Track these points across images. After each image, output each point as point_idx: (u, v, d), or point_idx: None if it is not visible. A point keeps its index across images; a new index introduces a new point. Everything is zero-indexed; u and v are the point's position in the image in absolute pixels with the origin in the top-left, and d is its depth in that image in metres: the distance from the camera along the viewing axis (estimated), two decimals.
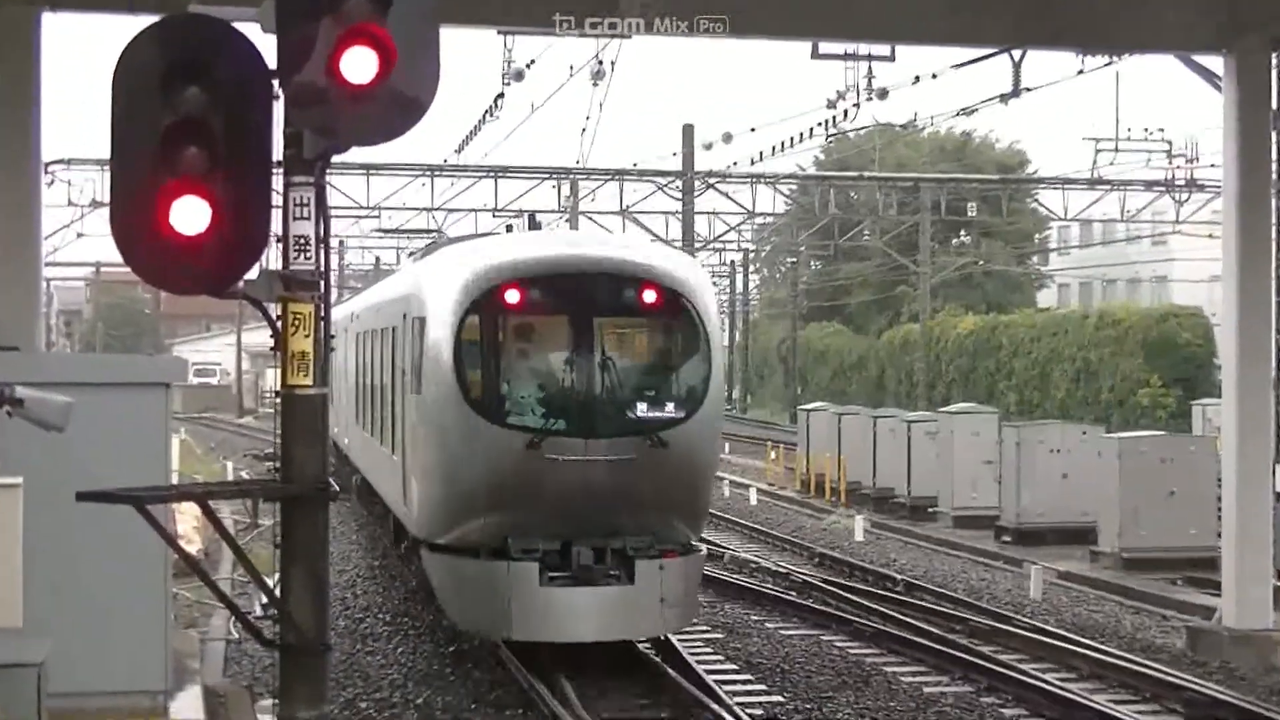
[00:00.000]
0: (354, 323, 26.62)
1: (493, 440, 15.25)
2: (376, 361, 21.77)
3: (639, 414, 15.54)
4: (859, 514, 31.29)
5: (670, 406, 15.67)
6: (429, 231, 47.98)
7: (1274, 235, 18.45)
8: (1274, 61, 18.23)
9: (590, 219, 56.69)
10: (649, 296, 15.72)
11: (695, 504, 16.10)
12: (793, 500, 37.35)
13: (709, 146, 52.94)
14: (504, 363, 15.83)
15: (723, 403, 17.37)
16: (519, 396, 15.54)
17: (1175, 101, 79.97)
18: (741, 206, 55.57)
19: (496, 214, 51.52)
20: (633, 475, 15.25)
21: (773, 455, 43.52)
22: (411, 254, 30.94)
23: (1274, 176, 18.44)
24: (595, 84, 29.38)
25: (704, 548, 17.02)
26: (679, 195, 53.33)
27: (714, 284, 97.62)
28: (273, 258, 7.52)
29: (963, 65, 24.50)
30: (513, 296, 15.54)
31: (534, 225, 19.95)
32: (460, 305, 15.60)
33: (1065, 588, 23.27)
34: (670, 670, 15.77)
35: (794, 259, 79.65)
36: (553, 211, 56.42)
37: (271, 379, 60.76)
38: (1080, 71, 23.81)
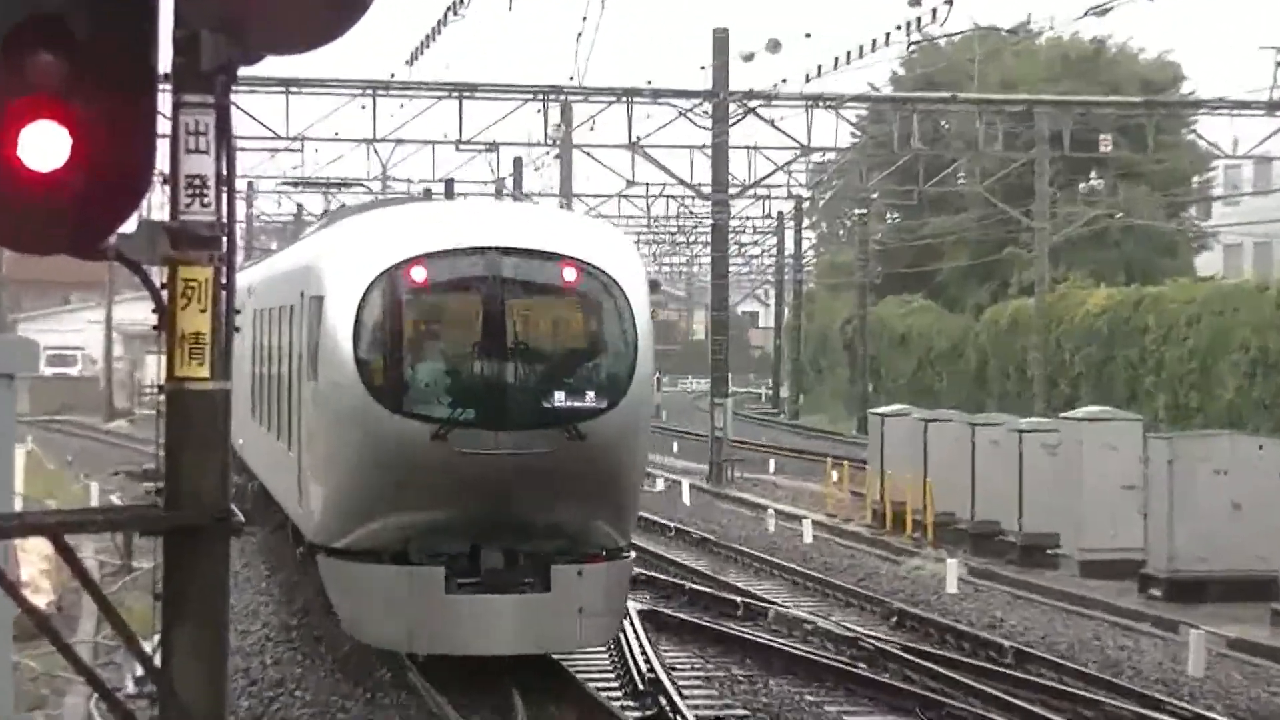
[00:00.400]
0: (250, 298, 27.70)
1: (395, 431, 17.85)
2: (273, 345, 23.85)
3: (555, 403, 18.27)
4: (952, 556, 31.32)
5: (590, 395, 18.38)
6: (360, 182, 47.90)
7: None
8: None
9: (587, 154, 56.74)
10: (569, 275, 18.44)
11: (619, 503, 18.97)
12: (861, 537, 37.40)
13: (749, 58, 52.94)
14: (408, 346, 18.46)
15: (651, 392, 20.22)
16: (424, 384, 18.30)
17: None
18: (793, 139, 55.60)
19: (461, 146, 51.62)
20: (548, 470, 17.85)
21: (834, 476, 43.51)
22: (326, 212, 31.91)
23: None
24: None
25: (632, 553, 19.85)
26: (708, 124, 53.24)
27: (755, 242, 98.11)
28: (157, 204, 7.48)
29: None
30: (419, 274, 17.99)
31: (450, 194, 23.09)
32: (361, 282, 18.09)
33: (1237, 660, 23.25)
34: None
35: (864, 210, 79.71)
36: (537, 145, 56.47)
37: (154, 369, 60.61)
38: None
